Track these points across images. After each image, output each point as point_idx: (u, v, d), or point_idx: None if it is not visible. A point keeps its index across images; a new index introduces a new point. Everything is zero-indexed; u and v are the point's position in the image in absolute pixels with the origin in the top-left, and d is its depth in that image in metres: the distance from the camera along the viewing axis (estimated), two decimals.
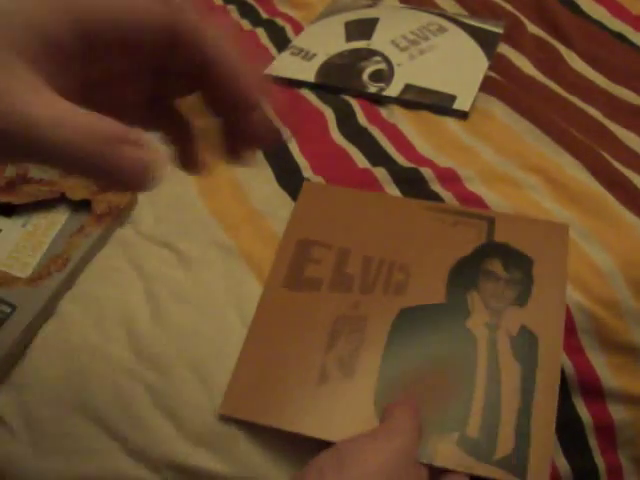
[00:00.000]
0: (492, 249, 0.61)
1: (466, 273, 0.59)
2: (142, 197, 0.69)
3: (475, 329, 0.56)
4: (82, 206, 0.67)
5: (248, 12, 1.01)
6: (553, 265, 0.59)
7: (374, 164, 0.71)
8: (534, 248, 0.60)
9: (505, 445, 0.50)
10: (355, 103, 0.79)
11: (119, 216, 0.67)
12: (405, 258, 0.61)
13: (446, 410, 0.51)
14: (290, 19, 0.97)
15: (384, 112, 0.78)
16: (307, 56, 0.86)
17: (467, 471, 0.49)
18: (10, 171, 0.69)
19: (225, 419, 0.53)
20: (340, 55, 0.86)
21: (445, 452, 0.50)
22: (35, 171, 0.70)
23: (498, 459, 0.49)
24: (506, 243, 0.61)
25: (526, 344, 0.54)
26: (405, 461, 0.42)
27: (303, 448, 0.52)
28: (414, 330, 0.56)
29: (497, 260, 0.60)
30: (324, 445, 0.49)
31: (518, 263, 0.59)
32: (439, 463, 0.49)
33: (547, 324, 0.55)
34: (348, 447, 0.42)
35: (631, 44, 0.86)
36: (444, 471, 0.49)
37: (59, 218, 0.67)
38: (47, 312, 0.60)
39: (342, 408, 0.52)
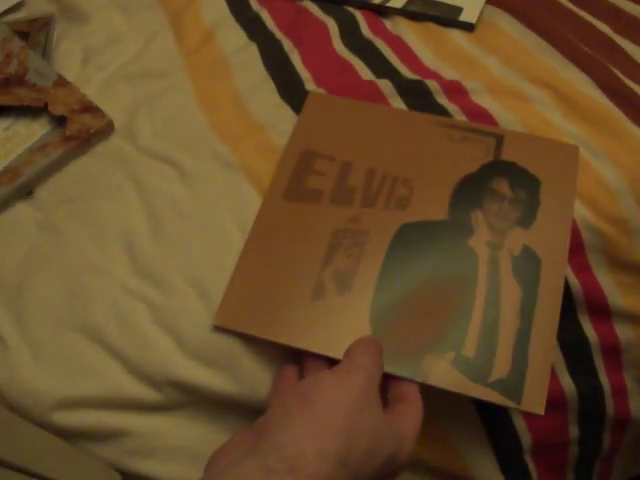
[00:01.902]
0: (499, 168, 0.59)
1: (471, 191, 0.58)
2: (141, 110, 0.68)
3: (477, 248, 0.54)
4: (63, 123, 0.66)
5: None
6: (561, 187, 0.57)
7: (378, 76, 0.69)
8: (543, 169, 0.58)
9: (502, 367, 0.49)
10: (359, 14, 0.77)
11: (88, 141, 0.65)
12: (409, 173, 0.59)
13: (443, 329, 0.51)
14: None
15: (388, 24, 0.76)
16: None
17: (461, 392, 0.48)
18: (13, 67, 0.68)
19: (221, 331, 0.52)
20: None
21: (439, 371, 0.49)
22: (33, 76, 0.68)
23: (493, 381, 0.49)
24: (514, 162, 0.59)
25: (528, 265, 0.53)
26: (365, 396, 0.43)
27: None
28: (414, 246, 0.55)
29: (504, 179, 0.58)
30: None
31: (525, 183, 0.58)
32: (433, 382, 0.49)
33: (551, 247, 0.54)
34: (310, 383, 0.44)
35: None
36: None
37: (39, 131, 0.66)
38: None
39: (337, 323, 0.51)
